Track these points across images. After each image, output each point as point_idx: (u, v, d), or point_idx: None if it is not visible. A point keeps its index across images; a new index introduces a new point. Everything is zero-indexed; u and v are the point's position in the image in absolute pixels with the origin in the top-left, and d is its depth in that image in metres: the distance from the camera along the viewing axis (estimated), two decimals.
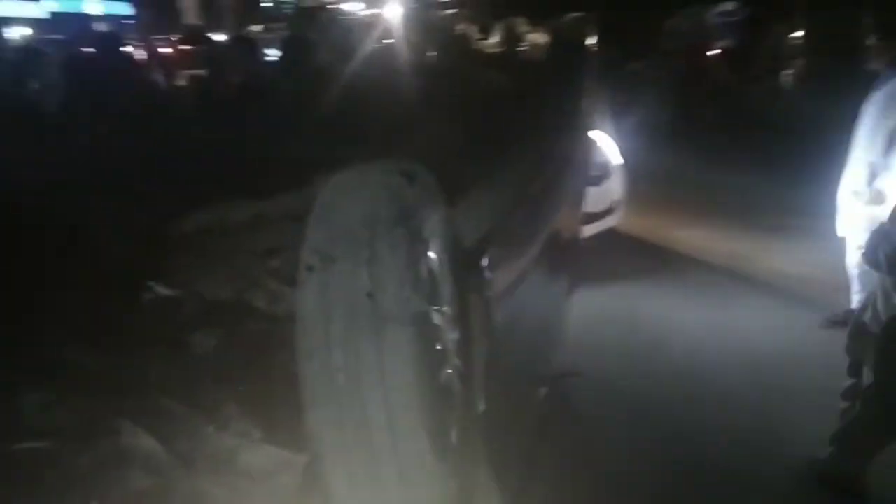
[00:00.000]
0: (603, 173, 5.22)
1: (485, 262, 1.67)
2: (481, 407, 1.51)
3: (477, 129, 2.63)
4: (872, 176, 3.31)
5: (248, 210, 1.74)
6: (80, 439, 1.12)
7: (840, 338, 2.67)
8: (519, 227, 1.98)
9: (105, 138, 2.50)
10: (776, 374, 3.40)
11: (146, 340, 1.29)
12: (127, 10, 15.88)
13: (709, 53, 9.90)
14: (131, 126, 2.31)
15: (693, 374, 3.49)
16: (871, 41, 3.55)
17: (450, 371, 1.28)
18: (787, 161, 6.08)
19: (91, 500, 1.04)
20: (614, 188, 5.27)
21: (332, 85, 4.10)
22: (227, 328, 1.31)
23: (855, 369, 2.56)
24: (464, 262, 1.50)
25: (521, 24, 11.76)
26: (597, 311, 4.27)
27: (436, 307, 1.22)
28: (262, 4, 20.45)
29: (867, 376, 2.48)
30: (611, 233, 5.20)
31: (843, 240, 3.61)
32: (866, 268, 2.72)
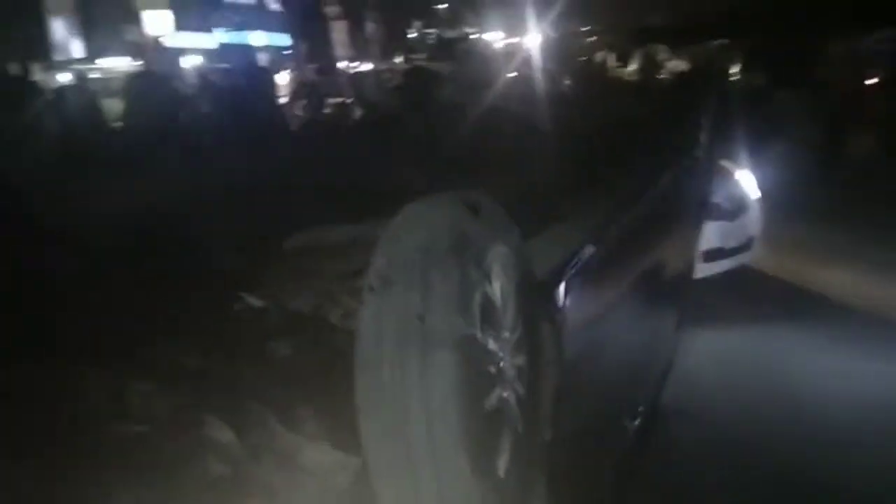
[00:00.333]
0: (738, 207, 4.99)
1: (561, 292, 1.71)
2: (546, 436, 1.54)
3: (582, 161, 2.66)
4: None
5: (347, 233, 1.89)
6: (170, 427, 1.29)
7: None
8: (607, 260, 1.99)
9: (234, 157, 2.79)
10: None
11: (235, 344, 1.45)
12: (286, 41, 17.22)
13: (866, 83, 9.20)
14: (258, 148, 2.56)
15: (817, 427, 3.24)
16: None
17: (505, 395, 1.34)
18: None
19: (173, 482, 1.20)
20: (750, 223, 5.00)
21: (453, 116, 4.27)
22: (304, 338, 1.45)
23: None
24: (536, 292, 1.55)
25: (661, 52, 11.49)
26: (717, 352, 4.08)
27: (492, 333, 1.29)
28: (409, 36, 21.42)
29: None
30: (744, 270, 4.95)
31: None
32: None
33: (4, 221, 1.90)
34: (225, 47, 16.30)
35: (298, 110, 6.80)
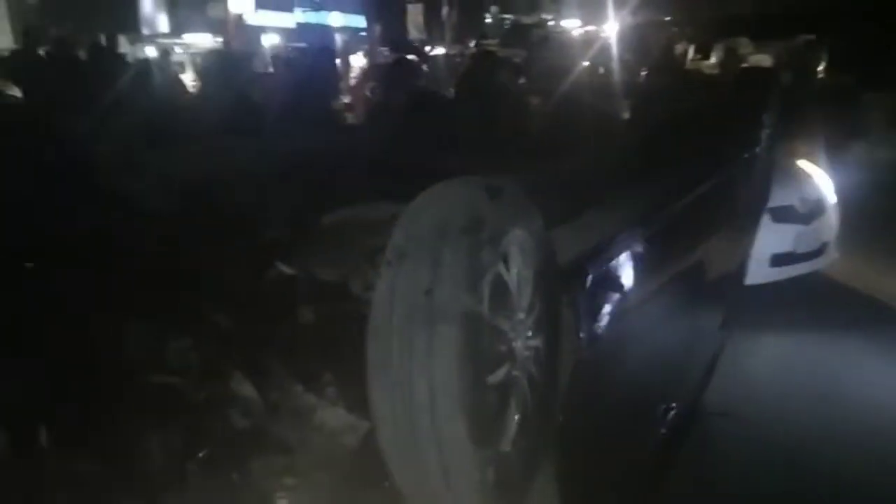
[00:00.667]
0: (813, 211, 4.83)
1: (587, 279, 1.73)
2: (558, 418, 1.58)
3: (634, 152, 2.65)
4: None
5: (387, 210, 1.96)
6: (201, 380, 1.40)
7: None
8: (641, 252, 1.99)
9: (298, 134, 2.91)
10: None
11: (264, 308, 1.55)
12: (362, 22, 17.44)
13: None
14: (314, 125, 2.66)
15: (864, 437, 3.16)
16: None
17: (515, 374, 1.39)
18: None
19: (199, 429, 1.31)
20: (825, 228, 4.83)
21: (517, 101, 4.29)
22: (327, 307, 1.54)
23: None
24: (557, 278, 1.58)
25: (744, 46, 11.03)
26: (774, 356, 4.01)
27: (504, 313, 1.34)
28: (485, 21, 21.33)
29: None
30: (816, 276, 4.80)
31: None
32: None
33: (81, 181, 2.06)
34: (303, 27, 16.67)
35: (368, 91, 6.93)
